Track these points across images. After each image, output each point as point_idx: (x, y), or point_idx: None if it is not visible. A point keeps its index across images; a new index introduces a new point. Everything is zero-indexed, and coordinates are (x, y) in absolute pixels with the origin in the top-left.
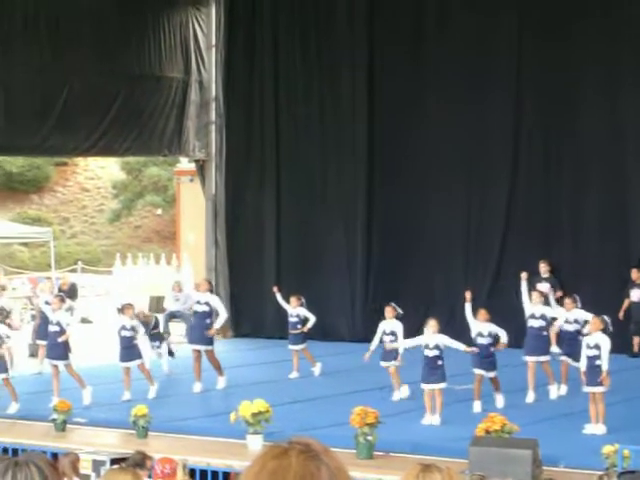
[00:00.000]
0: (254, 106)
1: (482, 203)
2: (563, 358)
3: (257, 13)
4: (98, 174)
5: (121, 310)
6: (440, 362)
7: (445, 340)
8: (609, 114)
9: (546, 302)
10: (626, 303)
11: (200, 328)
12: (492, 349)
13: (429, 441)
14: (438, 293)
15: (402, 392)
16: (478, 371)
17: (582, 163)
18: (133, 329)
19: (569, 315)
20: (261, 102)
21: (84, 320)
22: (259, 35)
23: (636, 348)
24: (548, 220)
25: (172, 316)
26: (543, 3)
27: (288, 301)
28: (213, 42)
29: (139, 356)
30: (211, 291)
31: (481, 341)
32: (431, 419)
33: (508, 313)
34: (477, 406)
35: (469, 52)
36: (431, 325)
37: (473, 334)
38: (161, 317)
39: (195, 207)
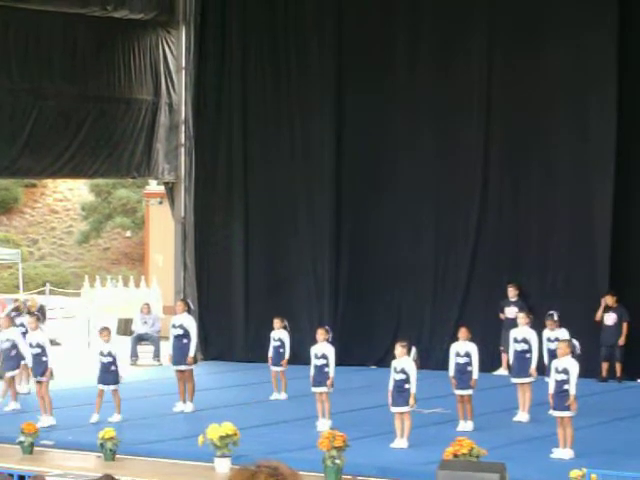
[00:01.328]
0: (223, 129)
1: (451, 226)
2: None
3: (227, 36)
4: (67, 196)
5: (99, 334)
6: (407, 386)
7: (411, 368)
8: (577, 141)
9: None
10: (601, 310)
11: (180, 349)
12: (469, 368)
13: (397, 465)
14: (406, 316)
15: (324, 424)
16: (458, 392)
17: (551, 188)
18: (110, 354)
19: (517, 334)
20: (230, 125)
21: (52, 342)
22: (229, 58)
23: (605, 373)
24: (516, 244)
25: (140, 338)
26: (512, 29)
27: (272, 323)
28: (183, 65)
29: (115, 382)
30: (188, 311)
31: (458, 360)
32: (400, 442)
33: (476, 336)
34: (462, 425)
35: (438, 87)
36: (397, 349)
37: (451, 355)
38: (129, 339)
39: (164, 229)
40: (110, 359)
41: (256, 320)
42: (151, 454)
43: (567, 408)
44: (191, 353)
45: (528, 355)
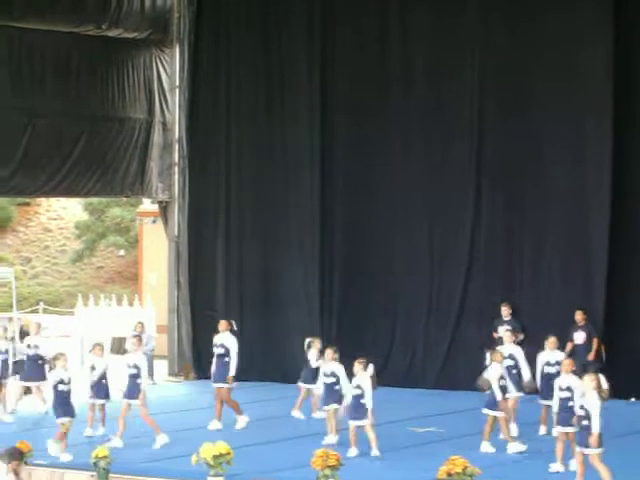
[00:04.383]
0: (217, 148)
1: (444, 244)
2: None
3: (220, 55)
4: (61, 214)
5: (92, 350)
6: (362, 401)
7: (367, 384)
8: (572, 160)
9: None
10: (569, 346)
11: (222, 367)
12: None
13: None
14: (399, 335)
15: (331, 439)
16: (486, 411)
17: (543, 205)
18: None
19: (504, 351)
20: (224, 144)
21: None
22: (222, 77)
23: None
24: (510, 263)
25: None
26: (503, 54)
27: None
28: (177, 83)
29: (105, 396)
30: (231, 330)
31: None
32: (355, 452)
33: (468, 355)
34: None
35: (430, 107)
36: (355, 365)
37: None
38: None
39: (157, 248)
40: (99, 373)
41: (250, 338)
42: (144, 473)
43: (572, 424)
44: (231, 372)
45: (514, 371)
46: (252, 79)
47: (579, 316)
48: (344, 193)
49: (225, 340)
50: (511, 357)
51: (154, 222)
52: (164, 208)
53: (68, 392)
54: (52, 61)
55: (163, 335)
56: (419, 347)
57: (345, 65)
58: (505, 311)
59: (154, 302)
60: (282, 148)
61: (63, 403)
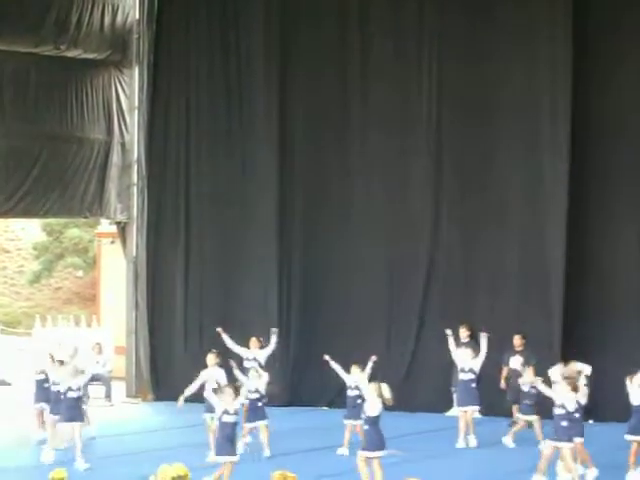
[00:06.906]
0: (176, 169)
1: (402, 264)
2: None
3: (180, 76)
4: (19, 235)
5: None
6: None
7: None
8: (530, 185)
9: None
10: (505, 371)
11: None
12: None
13: None
14: (357, 355)
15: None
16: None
17: (501, 227)
18: (54, 384)
19: (464, 364)
20: (183, 165)
21: (2, 382)
22: (182, 98)
23: (514, 416)
24: (468, 284)
25: (91, 379)
26: (462, 75)
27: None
28: (136, 104)
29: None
30: (261, 347)
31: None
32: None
33: (428, 377)
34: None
35: (389, 122)
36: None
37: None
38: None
39: (116, 269)
40: (57, 387)
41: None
42: None
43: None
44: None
45: (473, 385)
46: (211, 100)
47: (517, 341)
48: (303, 212)
49: (257, 354)
50: (471, 371)
51: (112, 243)
52: (122, 229)
53: (234, 424)
54: (11, 81)
55: (121, 356)
56: (378, 368)
57: (305, 88)
58: (463, 333)
59: (112, 323)
60: (241, 168)
61: (227, 438)
